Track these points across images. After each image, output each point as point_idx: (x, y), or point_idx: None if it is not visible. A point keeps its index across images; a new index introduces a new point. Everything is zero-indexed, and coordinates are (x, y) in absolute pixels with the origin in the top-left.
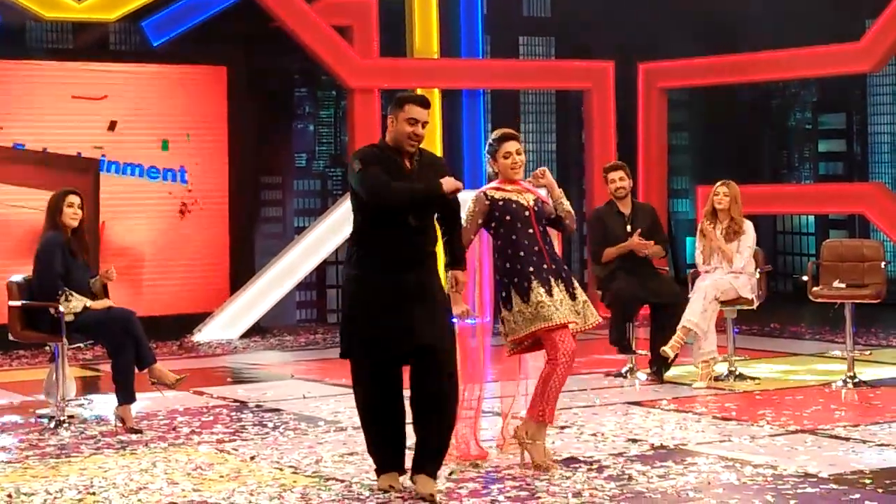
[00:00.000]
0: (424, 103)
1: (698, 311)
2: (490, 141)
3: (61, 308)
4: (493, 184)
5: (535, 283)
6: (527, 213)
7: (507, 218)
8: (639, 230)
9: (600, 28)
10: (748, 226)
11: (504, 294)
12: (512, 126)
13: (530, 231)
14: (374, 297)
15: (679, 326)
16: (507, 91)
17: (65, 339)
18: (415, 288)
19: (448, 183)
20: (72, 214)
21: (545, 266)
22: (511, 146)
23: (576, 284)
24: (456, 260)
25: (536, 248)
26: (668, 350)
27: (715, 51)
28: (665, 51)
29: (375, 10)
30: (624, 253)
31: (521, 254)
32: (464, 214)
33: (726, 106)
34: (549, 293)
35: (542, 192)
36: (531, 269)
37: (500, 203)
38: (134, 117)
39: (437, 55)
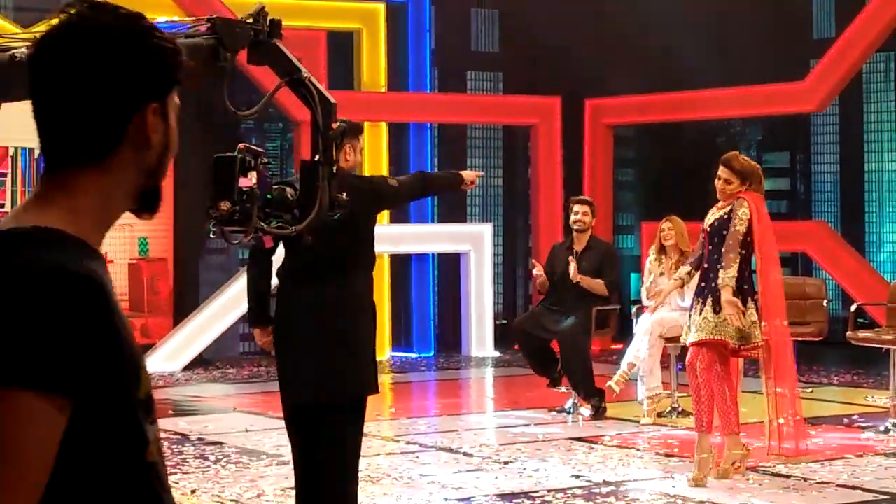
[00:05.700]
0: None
1: (644, 348)
2: None
3: None
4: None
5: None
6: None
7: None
8: (573, 260)
9: (547, 64)
10: None
11: (712, 299)
12: (459, 161)
13: (709, 248)
14: None
15: (625, 362)
16: (455, 125)
17: None
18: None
19: None
20: None
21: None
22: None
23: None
24: None
25: (706, 266)
26: (613, 386)
27: (662, 88)
28: (612, 88)
29: (324, 44)
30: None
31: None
32: None
33: (672, 143)
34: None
35: None
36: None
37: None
38: None
39: (385, 89)
